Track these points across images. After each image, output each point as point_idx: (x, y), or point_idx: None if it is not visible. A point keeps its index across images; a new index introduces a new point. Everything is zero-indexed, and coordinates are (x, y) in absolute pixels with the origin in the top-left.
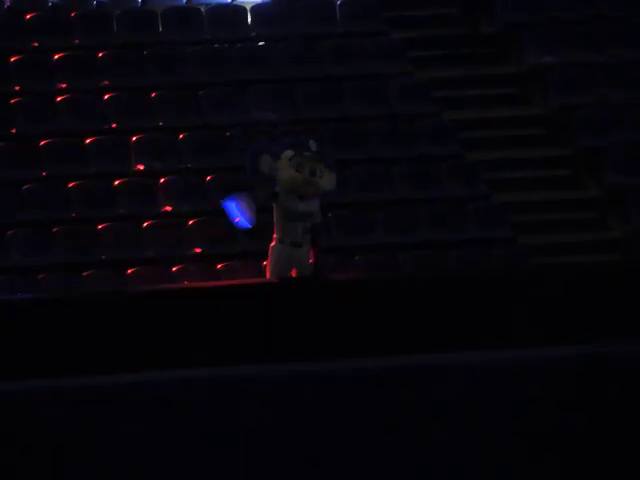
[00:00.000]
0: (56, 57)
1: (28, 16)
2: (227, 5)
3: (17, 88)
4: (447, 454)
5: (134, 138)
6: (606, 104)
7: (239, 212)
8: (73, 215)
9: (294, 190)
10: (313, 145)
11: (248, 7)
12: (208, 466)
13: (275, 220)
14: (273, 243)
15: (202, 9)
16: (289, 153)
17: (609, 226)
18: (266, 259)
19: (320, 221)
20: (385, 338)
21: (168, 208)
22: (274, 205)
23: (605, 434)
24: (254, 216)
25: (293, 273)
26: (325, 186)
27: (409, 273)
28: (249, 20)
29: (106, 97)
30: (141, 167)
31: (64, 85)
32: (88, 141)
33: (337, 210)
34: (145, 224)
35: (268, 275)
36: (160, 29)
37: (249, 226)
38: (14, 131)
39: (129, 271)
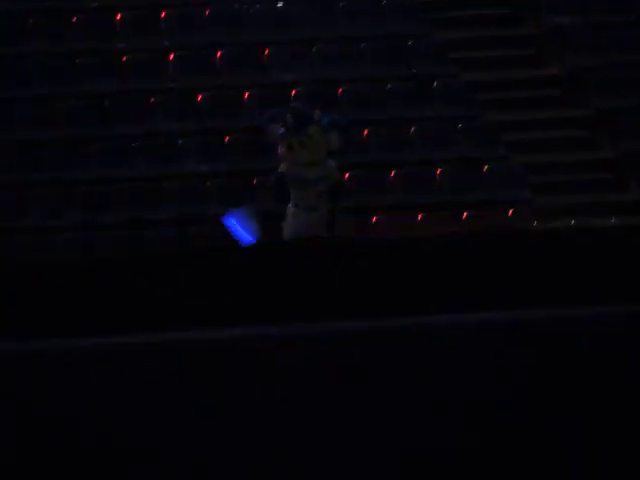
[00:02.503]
0: (74, 18)
1: None
2: None
3: (35, 48)
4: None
5: (152, 99)
6: (622, 66)
7: (241, 228)
8: (91, 176)
9: (285, 160)
10: (289, 119)
11: None
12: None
13: (289, 186)
14: (290, 205)
15: None
16: (275, 129)
17: (626, 188)
18: (284, 220)
19: (337, 180)
20: (401, 298)
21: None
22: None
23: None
24: (259, 229)
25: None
26: (313, 153)
27: (425, 234)
28: None
29: (125, 58)
30: (159, 127)
31: (83, 46)
32: (105, 102)
33: (355, 170)
34: (164, 185)
35: (284, 236)
36: None
37: (253, 241)
38: (32, 93)
39: (145, 232)
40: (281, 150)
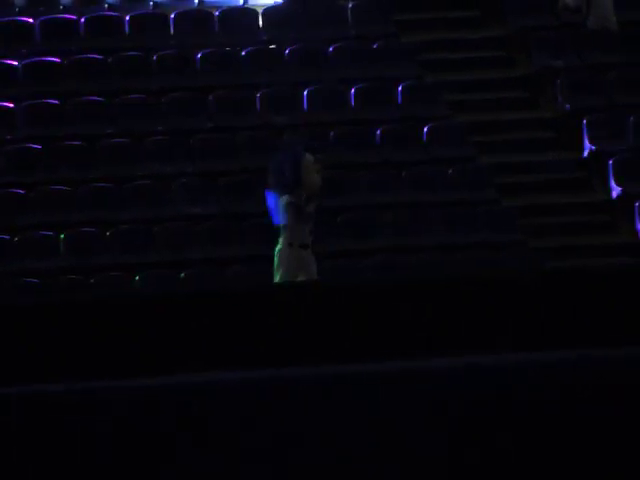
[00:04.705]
0: (65, 61)
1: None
2: (239, 8)
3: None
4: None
5: (145, 141)
6: (615, 108)
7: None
8: (81, 218)
9: (314, 192)
10: (312, 145)
11: (260, 10)
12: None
13: (285, 223)
14: (279, 247)
15: (214, 12)
16: (310, 157)
17: (620, 230)
18: (272, 263)
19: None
20: (396, 341)
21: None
22: (287, 209)
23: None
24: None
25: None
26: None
27: (420, 276)
28: (260, 23)
29: (117, 100)
30: (152, 170)
31: (77, 88)
32: (98, 144)
33: (346, 213)
34: (155, 227)
35: (276, 279)
36: (172, 32)
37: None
38: (22, 134)
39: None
40: (312, 177)
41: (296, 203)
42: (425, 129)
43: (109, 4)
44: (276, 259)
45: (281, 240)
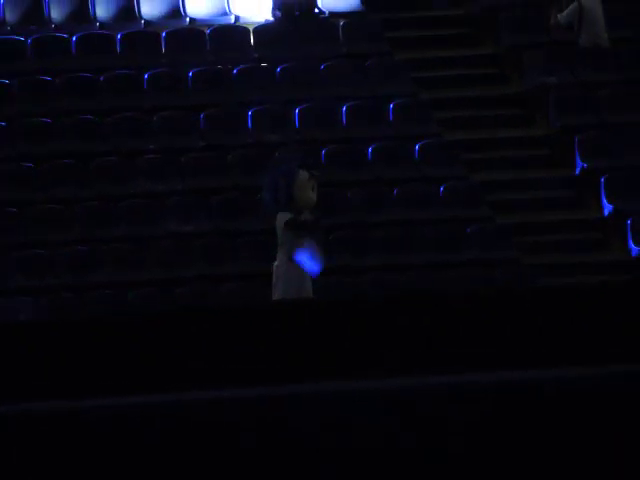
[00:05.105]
0: (57, 79)
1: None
2: (230, 26)
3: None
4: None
5: (137, 159)
6: (607, 125)
7: (310, 259)
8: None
9: (308, 208)
10: (309, 161)
11: (251, 28)
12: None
13: (282, 239)
14: (277, 263)
15: (205, 31)
16: (305, 174)
17: (612, 248)
18: (269, 280)
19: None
20: (391, 358)
21: (171, 229)
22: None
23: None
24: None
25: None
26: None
27: (413, 293)
28: (252, 42)
29: (108, 119)
30: (144, 188)
31: (65, 107)
32: (90, 162)
33: (338, 231)
34: (148, 245)
35: (275, 296)
36: (163, 50)
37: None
38: (15, 152)
39: (130, 292)
40: (306, 194)
41: (292, 220)
42: (417, 147)
43: (100, 23)
44: (274, 275)
45: (279, 256)
